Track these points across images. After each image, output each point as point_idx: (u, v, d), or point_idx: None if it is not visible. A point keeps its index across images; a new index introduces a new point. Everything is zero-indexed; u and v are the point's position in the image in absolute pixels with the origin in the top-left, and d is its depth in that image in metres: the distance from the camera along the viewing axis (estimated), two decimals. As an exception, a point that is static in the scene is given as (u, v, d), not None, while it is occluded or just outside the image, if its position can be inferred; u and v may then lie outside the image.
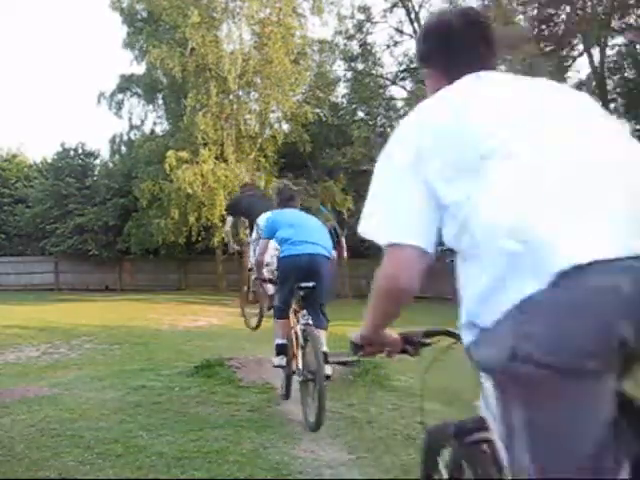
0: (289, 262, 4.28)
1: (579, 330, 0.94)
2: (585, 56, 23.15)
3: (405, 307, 1.27)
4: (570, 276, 0.93)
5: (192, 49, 19.08)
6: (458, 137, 1.13)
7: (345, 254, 5.75)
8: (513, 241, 0.99)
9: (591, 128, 1.17)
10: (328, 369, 4.00)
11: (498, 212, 1.03)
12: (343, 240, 5.72)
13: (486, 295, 1.03)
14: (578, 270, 0.93)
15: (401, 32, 25.19)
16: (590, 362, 0.94)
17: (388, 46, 25.28)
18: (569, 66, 23.88)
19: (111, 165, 25.62)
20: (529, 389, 0.99)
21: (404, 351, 1.56)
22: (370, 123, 23.56)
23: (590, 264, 0.93)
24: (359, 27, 24.93)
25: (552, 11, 23.32)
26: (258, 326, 5.71)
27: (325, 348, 4.10)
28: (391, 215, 1.19)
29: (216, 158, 19.79)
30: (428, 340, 1.61)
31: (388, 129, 24.46)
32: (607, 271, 0.93)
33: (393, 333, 1.47)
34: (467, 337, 1.11)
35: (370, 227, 1.23)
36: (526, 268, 0.98)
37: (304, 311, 4.20)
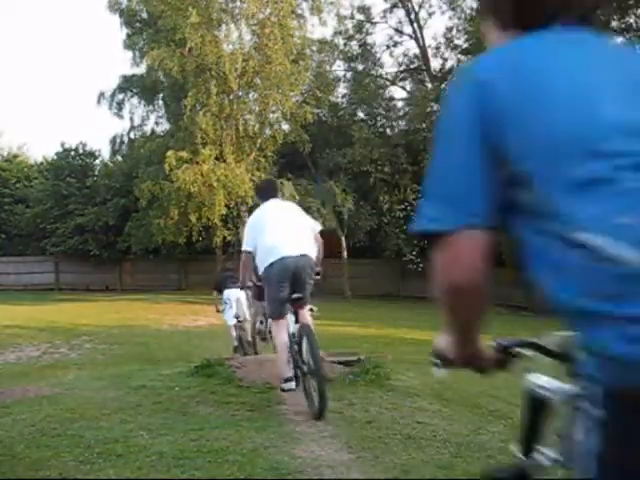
0: None
1: (282, 271, 4.30)
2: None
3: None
4: (281, 258, 4.29)
5: (189, 49, 19.08)
6: (259, 224, 4.55)
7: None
8: (269, 248, 4.36)
9: (293, 215, 4.66)
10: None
11: (267, 241, 4.40)
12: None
13: (264, 261, 4.39)
14: (282, 258, 4.28)
15: (401, 32, 25.22)
16: (285, 278, 4.32)
17: (388, 46, 25.33)
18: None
19: (111, 165, 25.64)
20: (272, 279, 4.42)
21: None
22: (370, 123, 23.56)
23: (284, 256, 4.28)
24: (359, 27, 24.93)
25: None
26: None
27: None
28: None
29: (216, 158, 19.80)
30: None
31: (388, 130, 24.47)
32: (287, 258, 4.29)
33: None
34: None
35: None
36: (271, 256, 4.32)
37: None
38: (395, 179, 21.78)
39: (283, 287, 4.33)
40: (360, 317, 15.16)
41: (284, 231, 4.38)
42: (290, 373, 4.27)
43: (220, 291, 8.63)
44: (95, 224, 23.23)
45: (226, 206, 19.64)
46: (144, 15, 23.62)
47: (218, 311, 8.77)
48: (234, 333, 8.33)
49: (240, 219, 20.25)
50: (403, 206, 21.69)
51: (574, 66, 0.97)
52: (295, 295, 4.33)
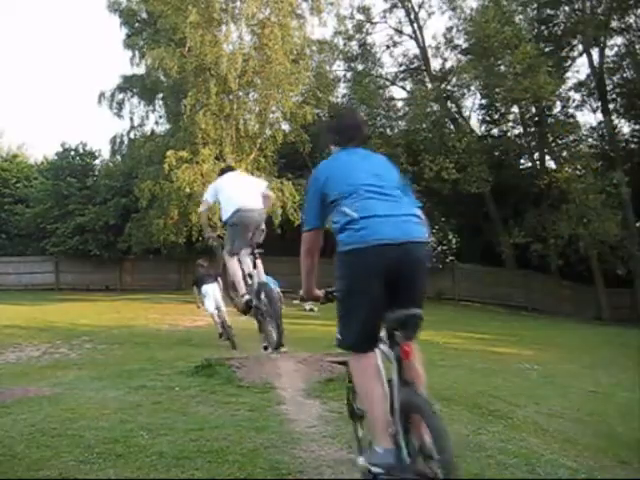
0: None
1: (240, 219, 5.54)
2: (585, 56, 23.16)
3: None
4: (239, 210, 5.53)
5: (189, 49, 19.06)
6: (218, 186, 5.89)
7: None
8: (229, 200, 5.64)
9: (246, 179, 6.46)
10: None
11: (228, 197, 5.68)
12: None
13: (226, 211, 5.62)
14: (240, 209, 5.52)
15: (400, 32, 25.19)
16: (243, 225, 5.59)
17: (388, 46, 25.30)
18: (569, 66, 23.86)
19: (111, 165, 25.62)
20: (232, 225, 5.67)
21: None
22: (370, 123, 23.55)
23: (241, 208, 5.51)
24: (359, 27, 24.91)
25: (551, 12, 23.33)
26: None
27: None
28: None
29: (216, 158, 19.78)
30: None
31: (388, 129, 24.46)
32: (245, 210, 5.54)
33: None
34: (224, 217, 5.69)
35: None
36: (232, 207, 5.56)
37: None
38: (395, 179, 21.74)
39: (240, 231, 5.67)
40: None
41: (241, 190, 5.79)
42: (245, 290, 5.69)
43: (199, 287, 10.68)
44: (95, 224, 23.20)
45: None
46: (143, 15, 23.61)
47: (199, 307, 10.65)
48: (217, 319, 10.31)
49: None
50: (403, 206, 21.62)
51: (354, 162, 2.62)
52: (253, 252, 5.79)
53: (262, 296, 5.52)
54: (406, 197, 2.55)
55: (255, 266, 5.74)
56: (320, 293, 2.75)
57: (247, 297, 5.59)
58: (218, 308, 10.20)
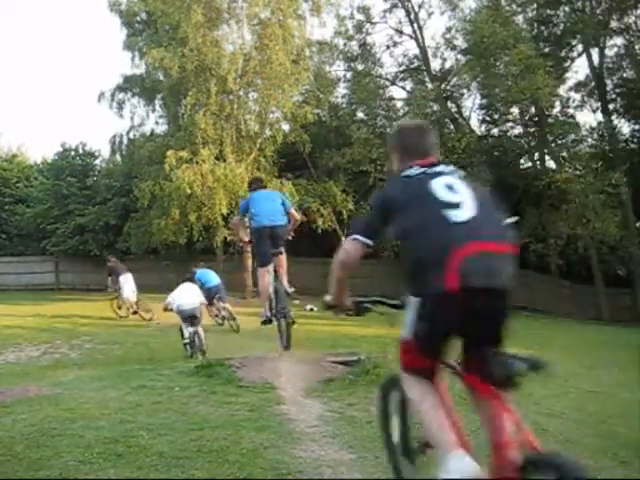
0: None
1: (186, 311, 9.36)
2: (584, 57, 23.15)
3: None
4: (181, 305, 9.54)
5: (190, 49, 19.07)
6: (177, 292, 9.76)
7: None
8: (178, 299, 9.58)
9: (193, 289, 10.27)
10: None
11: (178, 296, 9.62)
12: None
13: (174, 305, 9.61)
14: (183, 309, 9.48)
15: (400, 32, 25.17)
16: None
17: (388, 47, 25.28)
18: (568, 67, 23.85)
19: (111, 165, 25.60)
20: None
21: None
22: (370, 123, 23.56)
23: (184, 308, 9.55)
24: (359, 28, 24.90)
25: (551, 12, 23.31)
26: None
27: None
28: None
29: (216, 158, 19.78)
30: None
31: (388, 130, 24.45)
32: (186, 305, 9.54)
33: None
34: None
35: None
36: (177, 303, 9.64)
37: None
38: (395, 179, 21.74)
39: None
40: (360, 317, 15.11)
41: (186, 293, 9.69)
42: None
43: (117, 277, 14.06)
44: (95, 224, 23.18)
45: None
46: (143, 16, 23.61)
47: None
48: (133, 300, 13.84)
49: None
50: (403, 206, 21.63)
51: (261, 195, 6.51)
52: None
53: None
54: (281, 205, 6.23)
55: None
56: (246, 238, 6.73)
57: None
58: (133, 292, 13.73)
